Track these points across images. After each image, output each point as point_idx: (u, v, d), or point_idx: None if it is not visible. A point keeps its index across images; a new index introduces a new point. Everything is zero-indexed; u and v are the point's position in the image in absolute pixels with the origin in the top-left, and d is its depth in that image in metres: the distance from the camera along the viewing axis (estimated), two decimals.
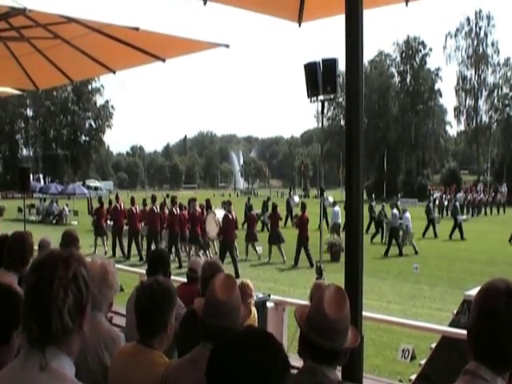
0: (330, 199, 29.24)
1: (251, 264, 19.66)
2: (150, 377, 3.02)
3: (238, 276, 15.73)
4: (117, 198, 22.96)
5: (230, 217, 18.12)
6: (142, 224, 21.22)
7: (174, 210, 20.21)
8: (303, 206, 19.96)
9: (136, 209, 21.41)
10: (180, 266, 18.18)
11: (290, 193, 42.46)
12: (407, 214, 23.26)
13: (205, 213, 19.96)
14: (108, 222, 23.08)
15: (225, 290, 2.90)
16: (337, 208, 25.03)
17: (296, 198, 41.56)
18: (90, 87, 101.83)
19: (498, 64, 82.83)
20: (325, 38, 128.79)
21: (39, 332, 1.76)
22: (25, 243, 4.50)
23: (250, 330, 1.77)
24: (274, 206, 21.25)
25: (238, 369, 1.62)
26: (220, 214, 18.95)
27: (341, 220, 23.75)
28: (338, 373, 2.78)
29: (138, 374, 3.06)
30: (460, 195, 46.01)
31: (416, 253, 22.16)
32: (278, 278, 16.69)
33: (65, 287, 1.76)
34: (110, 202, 23.40)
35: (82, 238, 6.75)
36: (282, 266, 19.09)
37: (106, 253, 21.73)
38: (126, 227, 21.60)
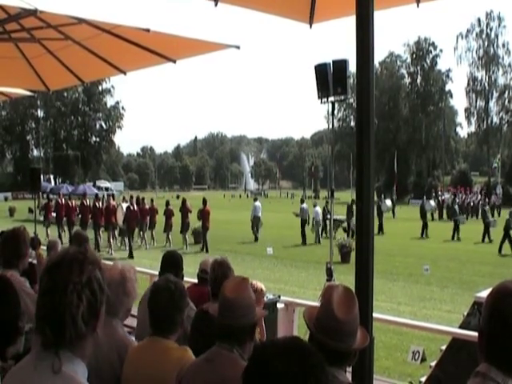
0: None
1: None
2: (166, 363, 3.06)
3: (131, 257, 21.21)
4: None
5: (132, 208, 22.86)
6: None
7: (96, 204, 24.98)
8: (204, 201, 23.52)
9: (72, 203, 27.06)
10: (98, 250, 22.81)
11: (380, 196, 39.17)
12: None
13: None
14: (53, 214, 28.07)
15: (234, 289, 2.91)
16: (257, 203, 28.44)
17: (388, 202, 37.71)
18: (100, 88, 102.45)
19: (509, 65, 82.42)
20: (335, 39, 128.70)
21: (52, 336, 1.73)
22: (18, 238, 4.49)
23: (289, 341, 1.70)
24: (184, 200, 24.69)
25: (272, 381, 1.55)
26: (125, 206, 23.52)
27: (261, 214, 28.05)
28: (348, 374, 2.78)
29: (153, 360, 3.10)
30: (447, 197, 45.48)
31: None
32: (289, 279, 16.68)
33: (79, 293, 1.72)
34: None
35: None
36: (291, 268, 19.12)
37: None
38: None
